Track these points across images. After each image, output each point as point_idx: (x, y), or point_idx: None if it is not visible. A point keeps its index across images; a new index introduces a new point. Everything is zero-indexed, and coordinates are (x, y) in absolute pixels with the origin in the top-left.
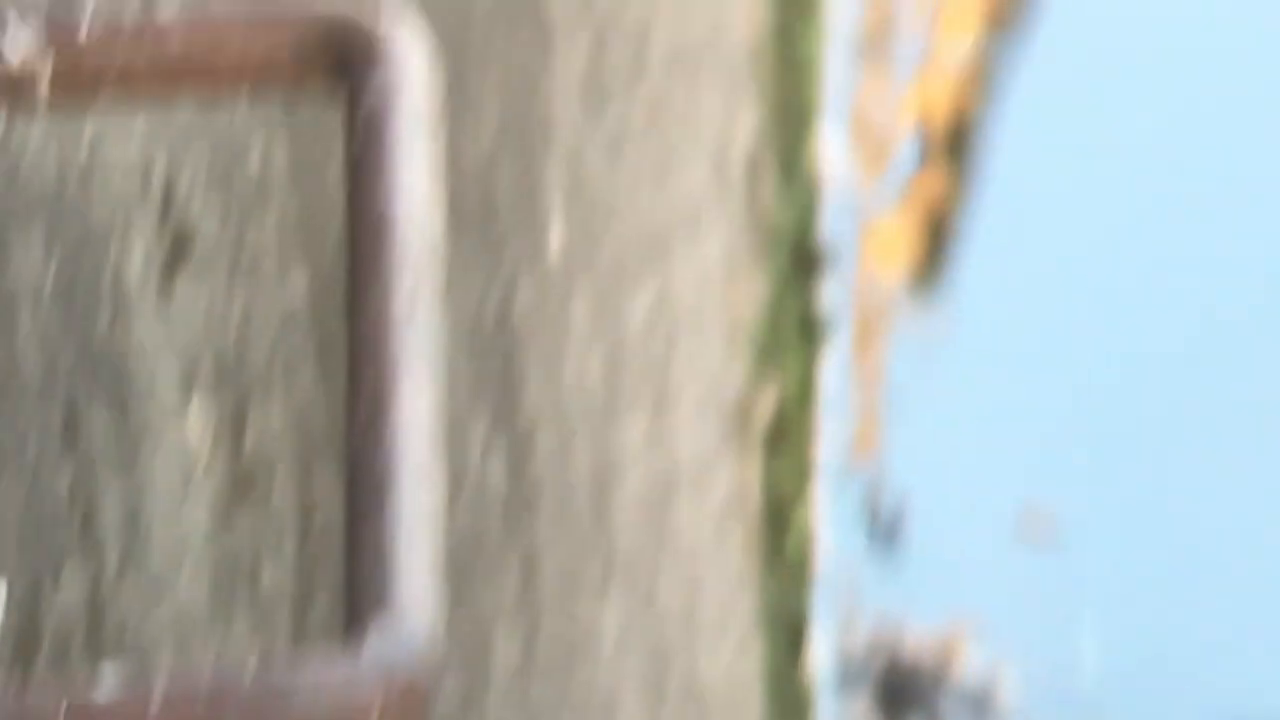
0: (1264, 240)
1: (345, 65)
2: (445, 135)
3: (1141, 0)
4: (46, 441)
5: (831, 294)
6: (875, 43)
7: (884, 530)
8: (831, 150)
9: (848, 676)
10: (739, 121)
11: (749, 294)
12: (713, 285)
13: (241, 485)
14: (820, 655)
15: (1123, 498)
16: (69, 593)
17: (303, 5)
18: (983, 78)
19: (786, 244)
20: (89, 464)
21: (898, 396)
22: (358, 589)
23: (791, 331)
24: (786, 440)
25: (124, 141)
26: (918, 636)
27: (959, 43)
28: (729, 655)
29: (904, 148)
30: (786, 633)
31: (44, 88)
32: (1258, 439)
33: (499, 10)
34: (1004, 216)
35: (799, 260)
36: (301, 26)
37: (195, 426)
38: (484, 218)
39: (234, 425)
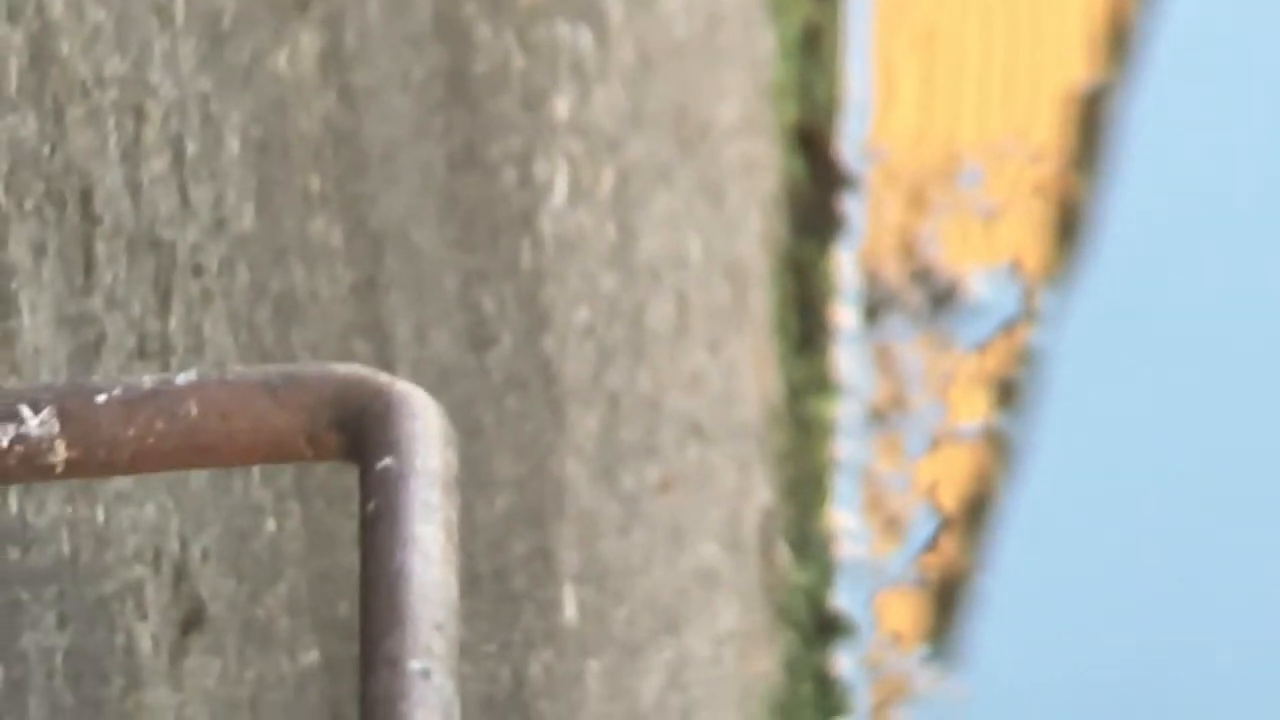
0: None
1: (360, 424)
2: (460, 497)
3: (1139, 366)
4: None
5: (847, 664)
6: (888, 413)
7: None
8: (845, 520)
9: None
10: (752, 491)
11: (764, 664)
12: (727, 655)
13: None
14: None
15: None
16: None
17: (316, 368)
18: (998, 449)
19: (801, 614)
20: None
21: None
22: None
23: (807, 703)
24: None
25: (137, 508)
26: None
27: (972, 414)
28: None
29: (918, 518)
30: None
31: (60, 455)
32: None
33: (512, 380)
34: (1019, 580)
35: (814, 630)
36: (316, 387)
37: None
38: (497, 586)
39: None
